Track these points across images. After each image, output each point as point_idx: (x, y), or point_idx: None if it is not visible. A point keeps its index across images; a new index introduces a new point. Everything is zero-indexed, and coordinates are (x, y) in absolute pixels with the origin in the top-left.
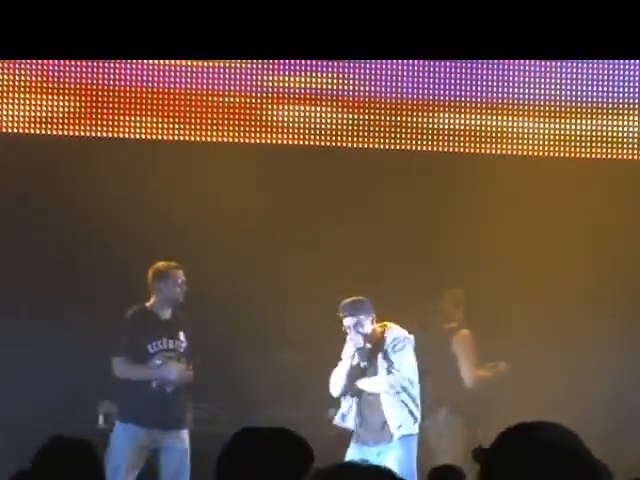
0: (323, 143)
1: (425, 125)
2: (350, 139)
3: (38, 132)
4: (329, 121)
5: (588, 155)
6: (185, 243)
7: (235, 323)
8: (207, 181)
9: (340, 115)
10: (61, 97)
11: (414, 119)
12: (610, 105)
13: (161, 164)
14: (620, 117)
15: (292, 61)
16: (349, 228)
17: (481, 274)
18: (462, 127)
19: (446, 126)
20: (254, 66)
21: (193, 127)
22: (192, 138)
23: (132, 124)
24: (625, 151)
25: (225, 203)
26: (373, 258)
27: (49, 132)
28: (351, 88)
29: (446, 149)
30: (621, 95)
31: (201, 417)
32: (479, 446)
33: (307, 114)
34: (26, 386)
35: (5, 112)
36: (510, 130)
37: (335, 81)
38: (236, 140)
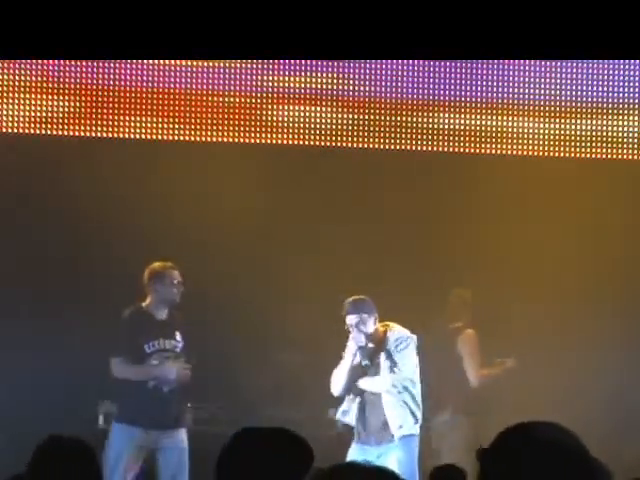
0: (323, 143)
1: (425, 125)
2: (350, 139)
3: (38, 132)
4: (329, 121)
5: (588, 155)
6: (185, 243)
7: (235, 323)
8: (207, 181)
9: (340, 115)
10: (61, 97)
11: (414, 119)
12: (610, 105)
13: (161, 164)
14: (620, 117)
15: (292, 61)
16: (349, 228)
17: (481, 274)
18: (462, 127)
19: (446, 126)
20: (254, 66)
21: (193, 127)
22: (192, 138)
23: (132, 124)
24: (625, 151)
25: (225, 203)
26: (373, 258)
27: (49, 132)
28: (351, 88)
29: (446, 149)
30: (621, 95)
31: (201, 417)
32: (480, 446)
33: (307, 114)
34: (26, 386)
35: (5, 112)
36: (510, 130)
37: (335, 81)
38: (236, 140)
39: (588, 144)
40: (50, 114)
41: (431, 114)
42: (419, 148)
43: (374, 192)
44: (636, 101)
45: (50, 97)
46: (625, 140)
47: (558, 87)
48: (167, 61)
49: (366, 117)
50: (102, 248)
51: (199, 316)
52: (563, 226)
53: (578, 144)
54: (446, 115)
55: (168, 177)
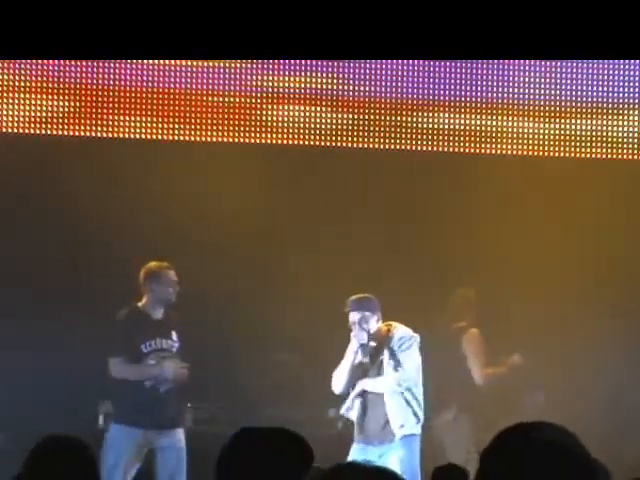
0: (323, 143)
1: (425, 125)
2: (350, 139)
3: (38, 132)
4: (329, 121)
5: (588, 155)
6: (185, 243)
7: (235, 323)
8: (207, 181)
9: (340, 115)
10: (61, 97)
11: (414, 119)
12: (610, 105)
13: (161, 164)
14: (620, 117)
15: (292, 61)
16: (349, 228)
17: (481, 274)
18: (462, 127)
19: (446, 126)
20: (254, 66)
21: (193, 127)
22: (192, 138)
23: (132, 124)
24: (625, 151)
25: (225, 203)
26: (373, 258)
27: (49, 132)
28: (351, 88)
29: (446, 149)
30: (621, 95)
31: (201, 417)
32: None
33: (307, 114)
34: (26, 386)
35: (5, 112)
36: (510, 130)
37: (335, 81)
38: (236, 140)
39: (588, 144)
40: (50, 114)
41: (431, 114)
42: (419, 148)
43: (374, 192)
44: (636, 101)
45: (50, 97)
46: (625, 140)
47: (558, 87)
48: (167, 61)
49: (366, 117)
50: (102, 248)
51: (199, 316)
52: (563, 226)
53: (578, 144)
54: (446, 115)
55: (168, 177)
